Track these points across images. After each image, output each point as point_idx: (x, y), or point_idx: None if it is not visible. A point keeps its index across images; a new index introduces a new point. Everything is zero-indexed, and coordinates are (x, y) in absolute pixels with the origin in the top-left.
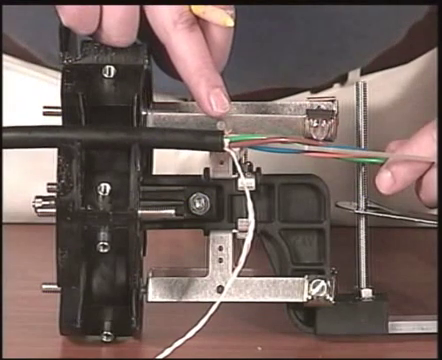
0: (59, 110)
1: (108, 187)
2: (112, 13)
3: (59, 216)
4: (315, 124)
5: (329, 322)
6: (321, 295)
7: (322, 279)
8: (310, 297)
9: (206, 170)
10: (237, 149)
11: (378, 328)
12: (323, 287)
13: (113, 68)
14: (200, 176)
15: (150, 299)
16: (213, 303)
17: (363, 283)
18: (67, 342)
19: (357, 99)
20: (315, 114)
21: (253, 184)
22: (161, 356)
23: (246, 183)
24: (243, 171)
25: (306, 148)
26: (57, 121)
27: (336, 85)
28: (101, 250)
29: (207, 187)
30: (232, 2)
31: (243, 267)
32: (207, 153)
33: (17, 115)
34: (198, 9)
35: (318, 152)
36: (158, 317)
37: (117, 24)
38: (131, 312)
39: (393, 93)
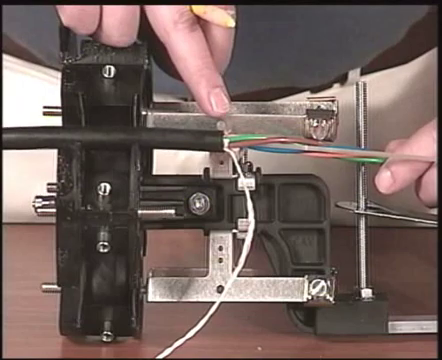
0: (59, 110)
1: (108, 187)
2: (112, 13)
3: (59, 216)
4: (315, 124)
5: (329, 322)
6: (321, 295)
7: (322, 279)
8: (310, 297)
9: (206, 170)
10: (237, 149)
11: (378, 328)
12: (323, 287)
13: (113, 68)
14: (200, 176)
15: (150, 299)
16: (213, 303)
17: (363, 283)
18: (67, 342)
19: (357, 99)
20: (315, 114)
21: (253, 184)
22: (161, 356)
23: (246, 183)
24: (243, 171)
25: (306, 148)
26: (57, 121)
27: (336, 85)
28: (101, 250)
29: (207, 187)
30: (233, 2)
31: (243, 267)
32: (207, 153)
33: (17, 115)
34: (199, 9)
35: (318, 152)
36: (158, 317)
37: (117, 24)
38: (131, 312)
39: (393, 93)
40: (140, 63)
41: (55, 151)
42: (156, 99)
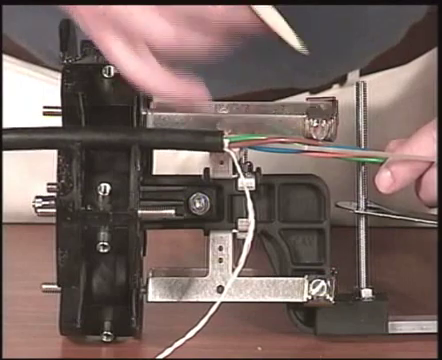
0: (59, 110)
1: (108, 187)
2: None
3: (59, 216)
4: (315, 124)
5: (329, 322)
6: (321, 295)
7: (322, 279)
8: (310, 297)
9: (206, 170)
10: (237, 149)
11: (378, 328)
12: (323, 287)
13: (113, 68)
14: (200, 176)
15: (150, 299)
16: (213, 303)
17: (363, 283)
18: (67, 342)
19: (357, 99)
20: (315, 114)
21: (253, 184)
22: (161, 356)
23: (246, 183)
24: (243, 171)
25: (306, 148)
26: (57, 121)
27: (335, 86)
28: (101, 250)
29: (207, 187)
30: (233, 2)
31: (243, 267)
32: (207, 153)
33: (17, 116)
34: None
35: (318, 152)
36: (158, 317)
37: None
38: (131, 312)
39: (393, 93)
40: None
41: (55, 151)
42: (156, 99)
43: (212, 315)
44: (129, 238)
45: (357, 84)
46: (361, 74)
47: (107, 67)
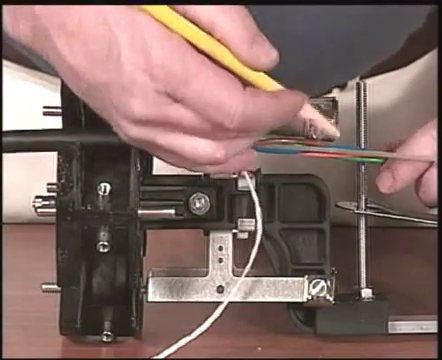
0: (59, 110)
1: (108, 187)
2: None
3: (59, 216)
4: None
5: (329, 322)
6: (321, 295)
7: (322, 279)
8: (310, 297)
9: None
10: None
11: (378, 328)
12: (323, 287)
13: None
14: (200, 176)
15: (150, 299)
16: (216, 303)
17: (363, 283)
18: (67, 342)
19: (357, 99)
20: None
21: (253, 184)
22: (161, 356)
23: (246, 183)
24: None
25: (306, 148)
26: (57, 121)
27: (335, 90)
28: (101, 250)
29: (207, 187)
30: (233, 2)
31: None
32: None
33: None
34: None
35: (318, 152)
36: (158, 317)
37: None
38: (131, 312)
39: (393, 95)
40: None
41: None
42: None
43: (220, 315)
44: (129, 238)
45: (357, 84)
46: (361, 77)
47: None
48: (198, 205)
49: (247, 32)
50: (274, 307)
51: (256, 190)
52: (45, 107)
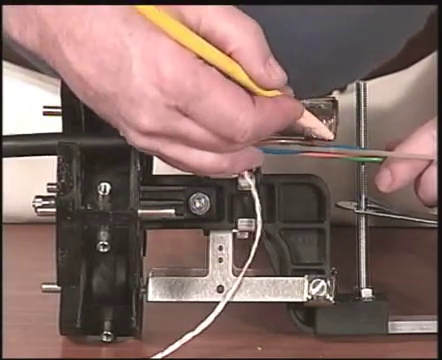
0: (59, 110)
1: (108, 186)
2: None
3: (59, 216)
4: None
5: (329, 322)
6: (321, 295)
7: (322, 279)
8: (310, 297)
9: None
10: None
11: (378, 328)
12: (323, 287)
13: None
14: (200, 176)
15: (150, 299)
16: (215, 303)
17: (363, 283)
18: (67, 342)
19: (357, 99)
20: (315, 114)
21: (253, 184)
22: (161, 356)
23: (247, 183)
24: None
25: (306, 148)
26: (57, 121)
27: (335, 92)
28: (101, 250)
29: (207, 187)
30: (234, 2)
31: (249, 267)
32: None
33: (14, 122)
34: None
35: (318, 152)
36: (158, 317)
37: None
38: (131, 312)
39: (394, 96)
40: None
41: None
42: None
43: (219, 314)
44: (129, 238)
45: (357, 84)
46: (362, 79)
47: None
48: (198, 205)
49: (260, 50)
50: (274, 307)
51: (256, 187)
52: (45, 107)
